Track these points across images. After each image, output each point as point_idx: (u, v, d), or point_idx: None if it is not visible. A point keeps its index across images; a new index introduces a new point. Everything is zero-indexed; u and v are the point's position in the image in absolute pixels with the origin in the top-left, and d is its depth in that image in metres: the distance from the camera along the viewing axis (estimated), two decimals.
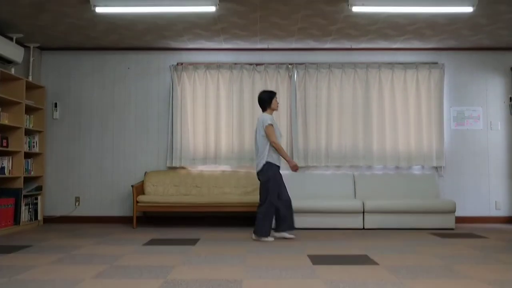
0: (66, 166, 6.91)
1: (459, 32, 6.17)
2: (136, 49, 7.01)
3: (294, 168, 5.17)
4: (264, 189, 5.15)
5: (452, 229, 6.10)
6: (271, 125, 5.14)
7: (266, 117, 5.18)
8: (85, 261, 4.03)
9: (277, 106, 5.34)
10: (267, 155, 5.13)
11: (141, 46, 6.92)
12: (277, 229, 5.29)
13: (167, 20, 5.71)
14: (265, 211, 5.11)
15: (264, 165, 5.14)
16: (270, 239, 5.18)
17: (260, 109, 5.37)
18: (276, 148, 5.12)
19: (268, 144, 5.13)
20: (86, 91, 6.99)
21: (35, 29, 6.05)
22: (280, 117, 6.83)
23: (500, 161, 6.91)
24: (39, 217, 6.63)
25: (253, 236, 5.22)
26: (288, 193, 5.24)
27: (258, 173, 5.22)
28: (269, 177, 5.11)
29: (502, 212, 6.87)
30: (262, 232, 5.13)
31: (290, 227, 5.25)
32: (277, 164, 5.18)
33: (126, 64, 7.02)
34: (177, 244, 4.94)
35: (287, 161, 5.15)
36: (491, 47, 6.94)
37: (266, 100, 5.28)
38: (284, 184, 5.23)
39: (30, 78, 6.61)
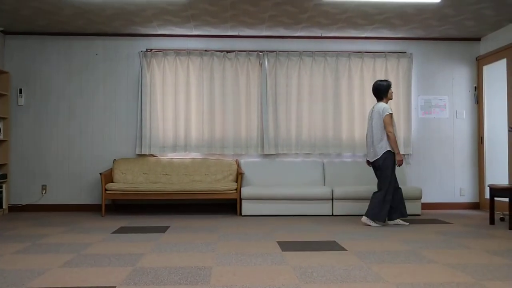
0: (32, 154, 6.76)
1: (427, 22, 6.27)
2: (105, 35, 6.87)
3: (399, 162, 5.23)
4: (383, 177, 5.25)
5: (418, 215, 6.24)
6: (391, 114, 5.24)
7: (386, 106, 5.27)
8: (52, 250, 3.97)
9: (392, 95, 5.43)
10: (388, 144, 5.24)
11: (109, 32, 6.79)
12: (390, 217, 5.39)
13: (136, 5, 5.61)
14: (383, 198, 5.22)
15: (384, 153, 5.24)
16: (379, 224, 5.31)
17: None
18: (390, 137, 5.21)
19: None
20: (52, 77, 6.83)
21: None
22: (250, 104, 6.83)
23: (464, 149, 7.09)
24: (4, 205, 6.48)
25: (364, 218, 5.33)
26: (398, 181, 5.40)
27: (375, 161, 5.32)
28: (388, 165, 5.23)
29: (466, 199, 7.06)
30: (378, 216, 5.23)
31: (403, 214, 5.36)
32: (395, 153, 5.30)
33: (94, 50, 6.88)
34: (146, 232, 4.91)
35: (395, 153, 5.23)
36: (458, 38, 7.07)
37: (383, 90, 5.37)
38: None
39: None
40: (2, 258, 3.68)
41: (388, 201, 5.24)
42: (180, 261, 3.55)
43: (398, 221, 5.39)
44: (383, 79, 5.53)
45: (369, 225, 5.29)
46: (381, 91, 5.38)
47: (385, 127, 5.24)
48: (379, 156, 5.28)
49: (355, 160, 6.87)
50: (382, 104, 5.31)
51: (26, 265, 3.43)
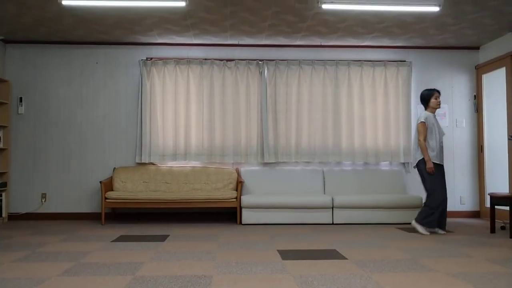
0: (32, 162, 6.76)
1: (426, 31, 6.29)
2: (105, 44, 6.89)
3: (429, 170, 5.24)
4: (424, 185, 5.34)
5: None
6: (423, 123, 5.29)
7: (422, 114, 5.37)
8: (51, 259, 3.95)
9: (437, 105, 5.40)
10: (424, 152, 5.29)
11: (110, 41, 6.81)
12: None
13: (136, 14, 5.63)
14: (428, 205, 5.26)
15: (418, 161, 5.32)
16: (425, 232, 5.26)
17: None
18: (420, 145, 5.29)
19: (425, 141, 5.29)
20: (52, 86, 6.84)
21: None
22: (250, 113, 6.84)
23: (464, 157, 7.08)
24: (4, 214, 6.47)
25: (413, 222, 5.41)
26: (445, 191, 5.30)
27: (415, 167, 5.44)
28: (423, 173, 5.29)
29: (466, 207, 7.05)
30: (423, 222, 5.27)
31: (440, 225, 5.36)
32: (435, 161, 5.27)
33: (94, 59, 6.90)
34: (146, 240, 4.90)
35: (425, 160, 5.25)
36: (457, 46, 7.10)
37: (425, 98, 5.44)
38: (442, 180, 5.30)
39: None
40: (1, 266, 3.66)
41: (433, 208, 5.21)
42: (180, 269, 3.54)
43: (437, 229, 5.38)
44: (430, 88, 5.57)
45: (417, 230, 5.34)
46: (423, 99, 5.46)
47: (417, 136, 5.35)
48: (415, 164, 5.40)
49: (355, 169, 6.87)
50: (421, 113, 5.42)
51: (25, 273, 3.42)
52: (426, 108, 5.47)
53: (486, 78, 6.99)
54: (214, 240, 4.91)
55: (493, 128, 6.85)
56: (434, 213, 5.23)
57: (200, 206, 6.11)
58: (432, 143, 5.30)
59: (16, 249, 4.40)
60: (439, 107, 5.46)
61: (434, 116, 5.43)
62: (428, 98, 5.42)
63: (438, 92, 5.43)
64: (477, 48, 7.13)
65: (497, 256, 4.07)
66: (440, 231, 5.35)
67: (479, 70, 7.08)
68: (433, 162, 5.26)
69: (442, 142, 5.37)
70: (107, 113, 6.86)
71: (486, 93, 7.00)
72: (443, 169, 5.37)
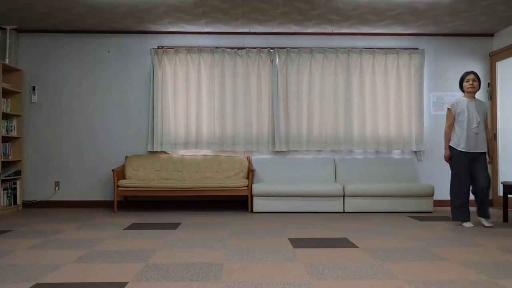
0: (45, 151, 6.83)
1: (439, 18, 6.22)
2: (116, 33, 6.90)
3: (446, 158, 5.21)
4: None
5: (430, 212, 6.21)
6: (449, 109, 5.18)
7: (452, 100, 5.28)
8: (65, 246, 4.01)
9: (469, 88, 5.10)
10: (451, 139, 5.20)
11: (121, 30, 6.83)
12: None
13: (147, 3, 5.63)
14: (450, 195, 5.18)
15: (449, 148, 5.21)
16: (467, 225, 5.07)
17: None
18: (444, 132, 5.23)
19: (453, 127, 5.17)
20: (65, 75, 6.89)
21: (12, 11, 5.92)
22: (261, 101, 6.83)
23: None
24: (18, 201, 6.56)
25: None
26: (469, 181, 5.05)
27: None
28: (451, 161, 5.17)
29: None
30: (452, 217, 5.18)
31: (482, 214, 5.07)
32: (458, 148, 5.08)
33: (106, 48, 6.92)
34: (158, 228, 4.94)
35: (444, 148, 5.23)
36: (470, 33, 7.01)
37: (459, 83, 5.29)
38: (466, 169, 5.04)
39: (6, 61, 6.48)
40: (16, 253, 3.72)
41: (453, 199, 5.09)
42: (192, 257, 3.57)
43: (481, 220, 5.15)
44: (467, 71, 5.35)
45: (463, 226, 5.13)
46: (459, 85, 5.29)
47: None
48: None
49: (366, 157, 6.84)
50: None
51: (40, 260, 3.48)
52: (464, 94, 5.24)
53: (500, 66, 6.90)
54: (225, 228, 4.94)
55: (507, 116, 6.77)
56: (453, 205, 5.11)
57: (211, 194, 6.15)
58: (459, 130, 5.08)
59: (31, 236, 4.47)
60: (472, 90, 5.09)
61: (472, 100, 5.11)
62: (461, 82, 5.23)
63: (473, 73, 5.12)
64: (491, 35, 7.03)
65: (510, 245, 4.05)
66: (483, 221, 5.09)
67: (493, 57, 6.98)
68: (459, 151, 5.05)
69: (475, 128, 5.00)
70: (119, 102, 6.90)
71: (500, 80, 6.91)
72: (475, 157, 5.04)
